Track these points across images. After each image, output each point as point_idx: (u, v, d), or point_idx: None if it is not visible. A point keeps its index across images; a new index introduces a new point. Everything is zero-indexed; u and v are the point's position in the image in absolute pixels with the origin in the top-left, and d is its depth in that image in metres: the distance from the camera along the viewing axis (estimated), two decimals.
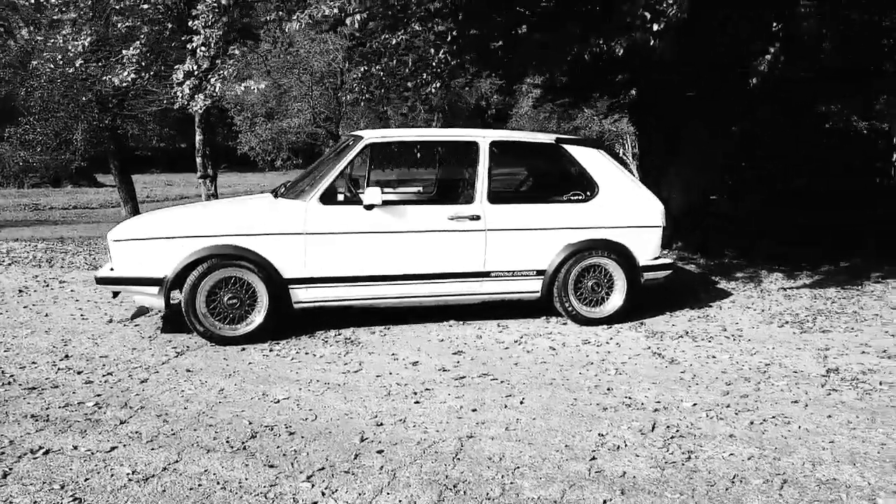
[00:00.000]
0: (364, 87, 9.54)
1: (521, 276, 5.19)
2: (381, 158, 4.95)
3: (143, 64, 7.86)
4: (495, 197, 5.12)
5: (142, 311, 4.88)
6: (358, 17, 6.48)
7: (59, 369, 4.19)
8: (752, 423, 3.50)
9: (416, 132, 5.23)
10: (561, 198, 5.39)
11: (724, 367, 4.39)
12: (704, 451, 3.17)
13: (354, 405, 3.68)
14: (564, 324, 5.34)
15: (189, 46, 7.30)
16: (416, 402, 3.72)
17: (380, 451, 3.14)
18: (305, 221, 4.79)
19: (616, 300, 5.33)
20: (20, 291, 6.26)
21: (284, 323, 4.97)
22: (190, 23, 7.29)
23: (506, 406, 3.68)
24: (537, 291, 5.26)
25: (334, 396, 3.80)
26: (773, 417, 3.57)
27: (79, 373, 4.13)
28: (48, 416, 3.49)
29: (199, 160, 10.48)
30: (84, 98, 11.98)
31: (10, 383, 3.95)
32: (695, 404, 3.74)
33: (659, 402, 3.78)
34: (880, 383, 4.08)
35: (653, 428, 3.42)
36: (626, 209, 5.33)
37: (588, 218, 5.25)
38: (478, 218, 5.05)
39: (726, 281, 6.99)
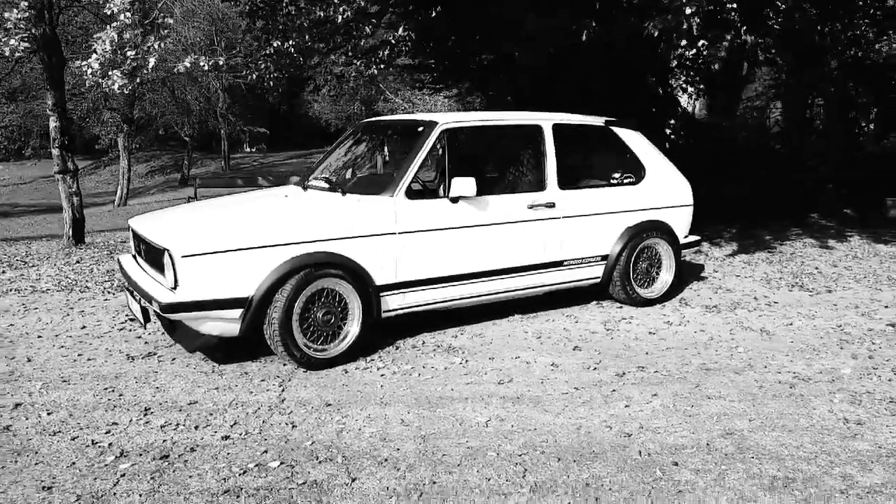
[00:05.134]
0: (272, 65, 8.68)
1: (588, 262, 5.07)
2: (454, 145, 4.47)
3: (33, 31, 6.30)
4: (564, 182, 4.92)
5: (206, 342, 3.91)
6: None
7: (160, 427, 3.24)
8: None
9: (485, 116, 4.83)
10: (615, 181, 5.33)
11: (812, 332, 4.70)
12: None
13: (565, 418, 3.34)
14: (620, 307, 5.32)
15: (108, 10, 6.01)
16: (626, 406, 3.48)
17: (675, 464, 2.89)
18: (396, 219, 4.20)
19: (666, 279, 5.43)
20: None
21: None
22: None
23: (710, 397, 3.59)
24: (598, 277, 5.17)
25: (532, 411, 3.41)
26: None
27: (195, 427, 3.24)
28: (239, 487, 2.69)
29: (55, 152, 8.63)
30: None
31: (124, 454, 2.97)
32: (850, 371, 3.96)
33: (820, 373, 3.94)
34: None
35: (860, 401, 3.55)
36: (668, 189, 5.43)
37: (640, 200, 5.27)
38: (553, 205, 4.81)
39: None
